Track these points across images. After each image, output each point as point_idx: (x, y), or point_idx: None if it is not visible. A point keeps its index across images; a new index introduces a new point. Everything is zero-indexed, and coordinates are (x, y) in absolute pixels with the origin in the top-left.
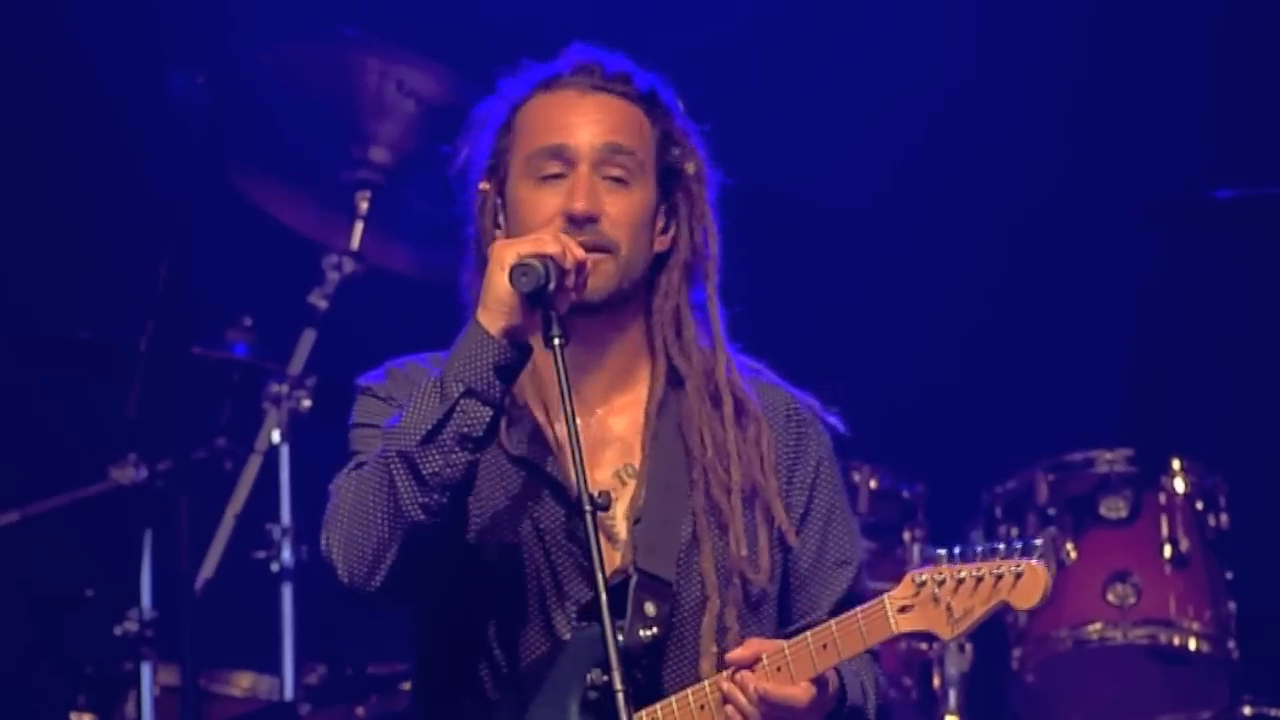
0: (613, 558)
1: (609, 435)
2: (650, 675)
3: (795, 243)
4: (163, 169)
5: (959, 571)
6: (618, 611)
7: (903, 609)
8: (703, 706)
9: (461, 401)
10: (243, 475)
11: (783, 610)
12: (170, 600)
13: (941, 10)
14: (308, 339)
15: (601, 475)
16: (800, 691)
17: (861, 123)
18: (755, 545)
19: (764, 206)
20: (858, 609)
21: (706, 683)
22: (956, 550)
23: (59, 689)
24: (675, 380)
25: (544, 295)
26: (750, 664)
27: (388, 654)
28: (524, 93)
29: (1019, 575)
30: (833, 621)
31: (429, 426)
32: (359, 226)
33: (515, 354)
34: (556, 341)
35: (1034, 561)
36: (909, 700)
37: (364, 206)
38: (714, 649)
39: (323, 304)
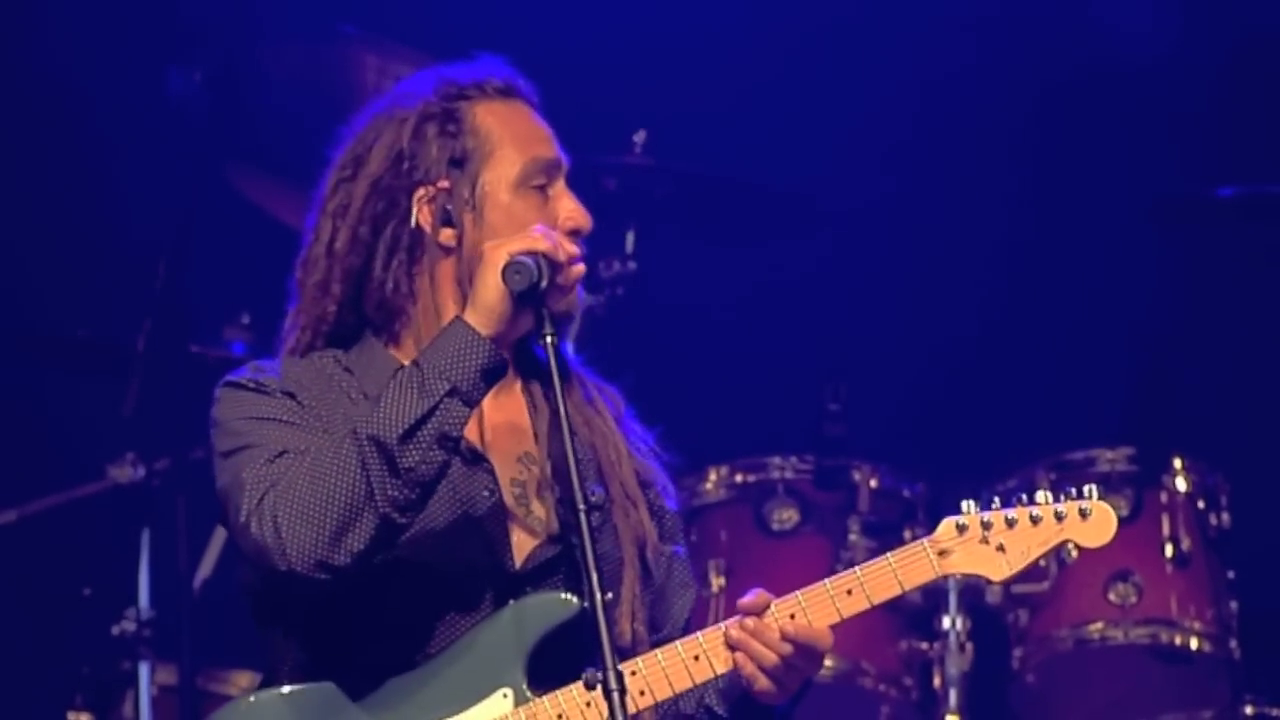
0: (526, 535)
1: (500, 425)
2: (592, 638)
3: (796, 243)
4: (161, 167)
5: (1008, 514)
6: (551, 584)
7: (944, 552)
8: (697, 657)
9: (444, 401)
10: None
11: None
12: (168, 600)
13: (943, 10)
14: None
15: (506, 463)
16: (824, 634)
17: (861, 122)
18: (652, 517)
19: (765, 206)
20: (889, 554)
21: (700, 634)
22: (994, 500)
23: (56, 688)
24: (527, 373)
25: (536, 293)
26: (760, 611)
27: None
28: (464, 95)
29: (1085, 513)
30: (858, 568)
31: (410, 422)
32: None
33: (502, 360)
34: (549, 339)
35: (1098, 499)
36: (909, 700)
37: None
38: (630, 623)
39: None
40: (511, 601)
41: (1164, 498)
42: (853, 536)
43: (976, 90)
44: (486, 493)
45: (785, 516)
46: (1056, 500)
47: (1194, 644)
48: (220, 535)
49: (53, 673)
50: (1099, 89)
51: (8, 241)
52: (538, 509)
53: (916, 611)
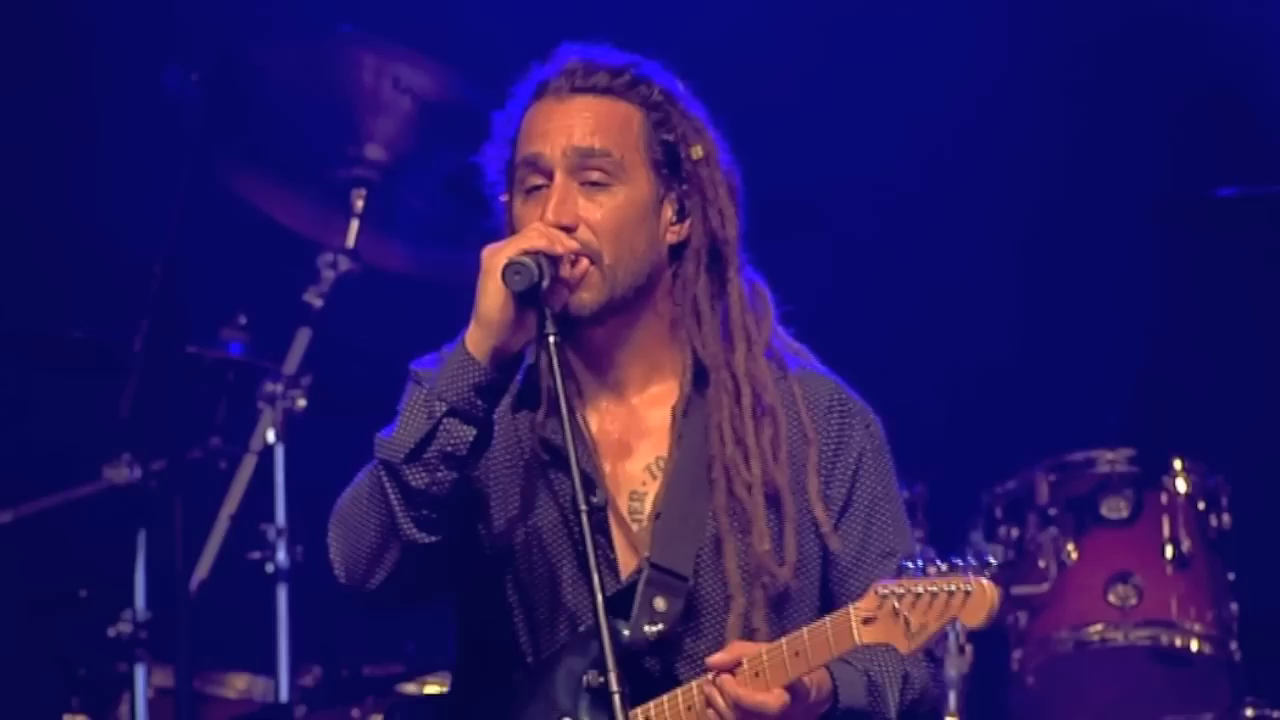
0: (632, 552)
1: (642, 428)
2: (664, 672)
3: (796, 243)
4: (157, 167)
5: (917, 586)
6: (627, 607)
7: (866, 620)
8: (690, 707)
9: (444, 421)
10: (237, 475)
11: (828, 605)
12: (164, 601)
13: (945, 12)
14: (303, 338)
15: (633, 468)
16: (772, 699)
17: (862, 124)
18: (779, 541)
19: (765, 207)
20: (826, 618)
21: (695, 684)
22: (919, 563)
23: (52, 690)
24: (701, 374)
25: (538, 292)
26: (730, 668)
27: (383, 655)
28: (525, 100)
29: (968, 593)
30: (805, 629)
31: (414, 443)
32: (354, 224)
33: (497, 374)
34: (551, 339)
35: (983, 579)
36: None
37: (359, 204)
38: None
39: (318, 302)
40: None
41: (1164, 499)
42: None
43: (977, 94)
44: (595, 502)
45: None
46: (964, 571)
47: (1194, 646)
48: (216, 536)
49: (48, 674)
50: (1100, 89)
51: (3, 241)
52: (645, 522)
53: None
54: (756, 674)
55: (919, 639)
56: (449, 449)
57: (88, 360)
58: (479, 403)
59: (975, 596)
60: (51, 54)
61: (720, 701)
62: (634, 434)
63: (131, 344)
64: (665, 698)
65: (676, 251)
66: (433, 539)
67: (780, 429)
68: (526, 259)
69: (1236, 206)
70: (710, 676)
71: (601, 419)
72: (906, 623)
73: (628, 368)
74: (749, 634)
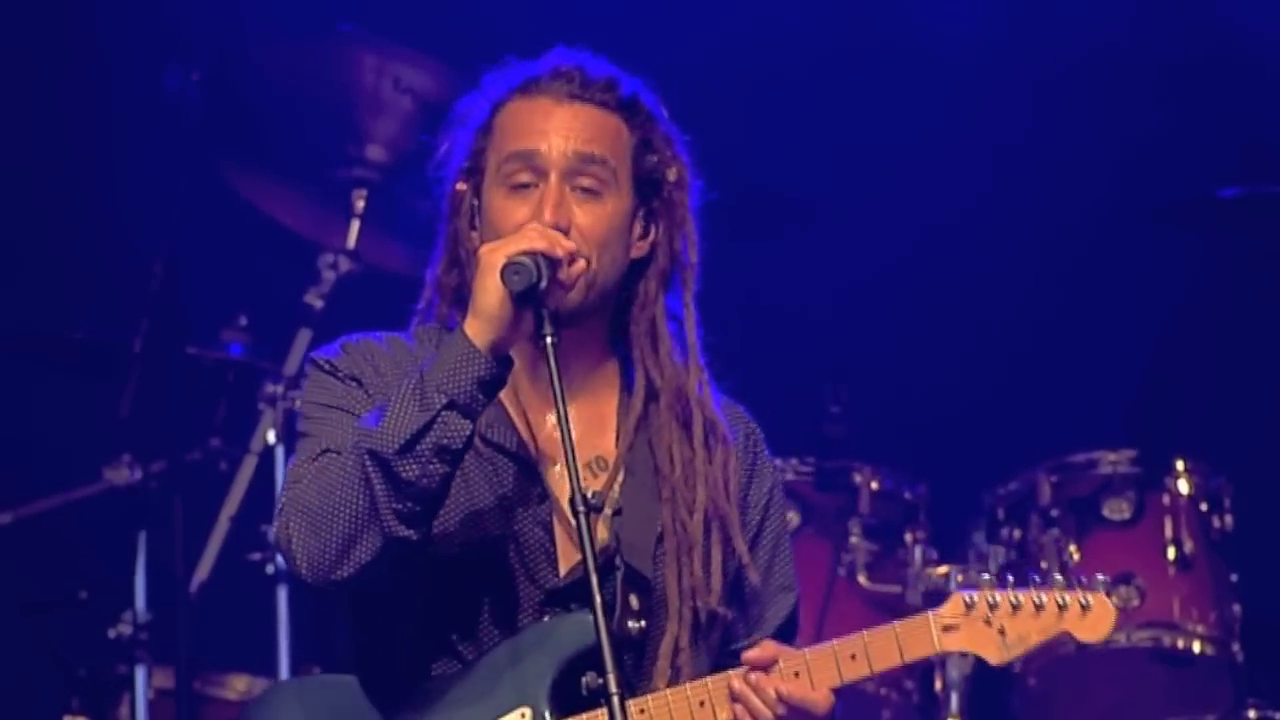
0: (574, 547)
1: (578, 430)
2: (632, 669)
3: (797, 243)
4: (157, 167)
5: (1015, 596)
6: (570, 601)
7: (948, 628)
8: (702, 703)
9: (443, 414)
10: (238, 476)
11: (725, 630)
12: (165, 602)
13: (946, 12)
14: (303, 339)
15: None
16: (821, 697)
17: (864, 122)
18: (709, 568)
19: (765, 206)
20: (895, 623)
21: (709, 680)
22: (1009, 576)
23: (52, 692)
24: (651, 392)
25: (535, 293)
26: (766, 666)
27: None
28: (504, 94)
29: (1085, 607)
30: (864, 633)
31: (408, 435)
32: (355, 225)
33: (499, 368)
34: (549, 340)
35: (1102, 594)
36: (910, 703)
37: (360, 205)
38: (669, 667)
39: (318, 303)
40: (546, 617)
41: (1166, 500)
42: (854, 539)
43: (978, 91)
44: (536, 499)
45: (786, 518)
46: (1069, 586)
47: (1196, 647)
48: (216, 537)
49: (48, 676)
50: (1101, 88)
51: (3, 242)
52: (593, 518)
53: (917, 614)
54: (796, 674)
55: (1015, 650)
56: (445, 442)
57: (88, 361)
58: (480, 396)
59: (1095, 611)
60: (51, 54)
61: (756, 699)
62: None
63: (132, 345)
64: (668, 693)
65: (634, 267)
66: (413, 533)
67: (731, 458)
68: (526, 259)
69: (1239, 207)
70: (742, 672)
71: (537, 417)
72: (1002, 632)
73: (567, 371)
74: (675, 653)
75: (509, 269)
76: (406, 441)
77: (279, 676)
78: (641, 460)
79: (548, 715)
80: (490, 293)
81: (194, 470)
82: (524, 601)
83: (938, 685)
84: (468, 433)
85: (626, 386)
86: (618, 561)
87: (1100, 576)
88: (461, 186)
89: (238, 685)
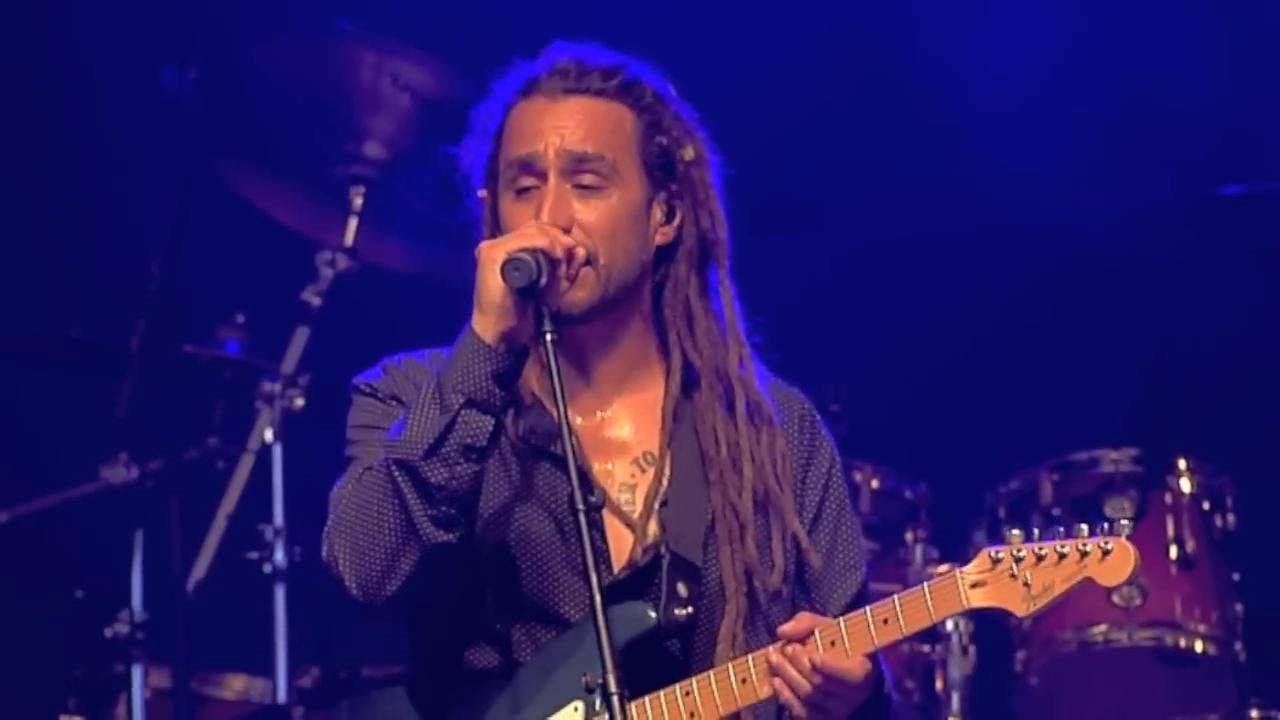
0: (627, 540)
1: (625, 426)
2: (682, 654)
3: (798, 242)
4: (155, 165)
5: (1039, 548)
6: (649, 591)
7: (975, 584)
8: (744, 680)
9: (463, 413)
10: (235, 475)
11: (792, 612)
12: (161, 602)
13: (945, 11)
14: (301, 337)
15: (621, 462)
16: (856, 665)
17: (866, 122)
18: (768, 547)
19: (766, 205)
20: (925, 584)
21: (750, 657)
22: (1034, 531)
23: (49, 691)
24: (691, 375)
25: (536, 289)
26: (803, 638)
27: (382, 656)
28: (510, 97)
29: (1106, 551)
30: (895, 597)
31: (431, 439)
32: (353, 222)
33: (512, 360)
34: (549, 337)
35: (1122, 539)
36: (911, 703)
37: (358, 202)
38: (731, 650)
39: (316, 301)
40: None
41: (1168, 499)
42: None
43: (978, 90)
44: (594, 501)
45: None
46: (1093, 534)
47: (1199, 646)
48: (213, 536)
49: (45, 675)
50: (1102, 87)
51: (0, 241)
52: (639, 510)
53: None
54: (832, 643)
55: (1040, 601)
56: (469, 441)
57: (84, 360)
58: (496, 390)
59: (1116, 555)
60: (48, 52)
61: (793, 671)
62: (618, 429)
63: (129, 343)
64: (711, 673)
65: (664, 252)
66: (451, 537)
67: (778, 437)
68: (526, 256)
69: (1242, 205)
70: (779, 645)
71: (584, 416)
72: (1027, 584)
73: (609, 365)
74: (734, 635)
75: (509, 265)
76: (431, 445)
77: (276, 676)
78: (687, 447)
79: (598, 706)
80: (490, 286)
81: (191, 469)
82: (579, 601)
83: (939, 685)
84: (490, 428)
85: (671, 375)
86: (663, 551)
87: (1123, 521)
88: (483, 194)
89: (235, 685)
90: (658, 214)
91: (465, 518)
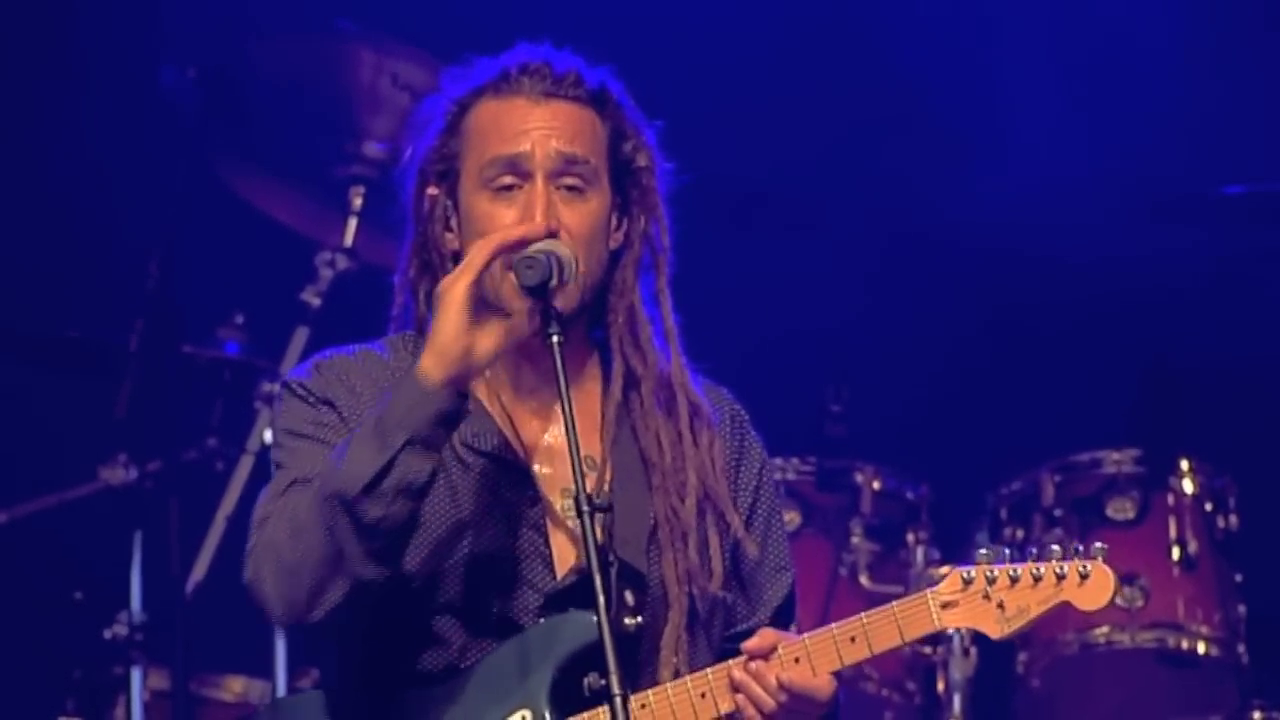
0: (569, 547)
1: (563, 431)
2: (628, 663)
3: (798, 243)
4: (153, 165)
5: (1013, 569)
6: (568, 604)
7: (946, 605)
8: (704, 694)
9: (403, 452)
10: (234, 476)
11: (728, 616)
12: (160, 603)
13: (945, 11)
14: (300, 337)
15: (562, 467)
16: (824, 683)
17: (864, 123)
18: (707, 553)
19: (766, 206)
20: (894, 603)
21: (710, 671)
22: (1005, 550)
23: (47, 693)
24: (631, 380)
25: (546, 289)
26: (766, 654)
27: None
28: (471, 93)
29: (1085, 575)
30: (863, 615)
31: (369, 476)
32: (352, 222)
33: (459, 402)
34: (555, 339)
35: (1100, 562)
36: (912, 705)
37: (357, 202)
38: (674, 657)
39: (316, 301)
40: (542, 619)
41: (1171, 500)
42: (855, 539)
43: (977, 90)
44: (528, 503)
45: (787, 518)
46: (1066, 556)
47: (1201, 648)
48: (212, 537)
49: (44, 677)
50: (1102, 86)
51: (0, 241)
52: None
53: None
54: (796, 660)
55: (1015, 623)
56: (409, 480)
57: (83, 360)
58: (441, 431)
59: (1095, 580)
60: (47, 51)
61: (757, 687)
62: (558, 434)
63: (127, 344)
64: (669, 686)
65: (611, 258)
66: (382, 571)
67: (716, 440)
68: (541, 256)
69: (1244, 204)
70: (742, 661)
71: (523, 420)
72: (1001, 606)
73: (549, 370)
74: (678, 642)
75: (523, 262)
76: (368, 483)
77: (275, 678)
78: (628, 452)
79: (548, 716)
80: (450, 325)
81: (190, 470)
82: (522, 606)
83: (940, 687)
84: (430, 469)
85: (608, 380)
86: (611, 558)
87: (1098, 544)
88: (433, 190)
89: (234, 686)
90: (612, 220)
91: (397, 552)
